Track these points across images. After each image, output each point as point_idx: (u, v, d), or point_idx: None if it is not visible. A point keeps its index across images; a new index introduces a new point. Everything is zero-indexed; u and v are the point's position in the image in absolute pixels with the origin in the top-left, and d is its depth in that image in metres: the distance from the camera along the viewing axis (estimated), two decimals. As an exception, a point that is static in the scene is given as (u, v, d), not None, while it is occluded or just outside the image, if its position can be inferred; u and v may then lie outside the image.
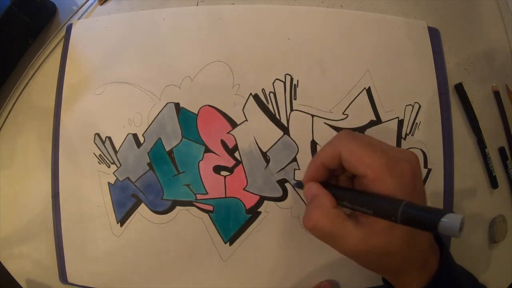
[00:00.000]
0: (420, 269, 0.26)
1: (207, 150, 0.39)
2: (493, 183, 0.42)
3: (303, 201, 0.38)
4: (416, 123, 0.40)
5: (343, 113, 0.39)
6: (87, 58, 0.42)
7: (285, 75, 0.39)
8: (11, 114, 0.44)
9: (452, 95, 0.42)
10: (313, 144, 0.39)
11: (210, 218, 0.39)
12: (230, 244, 0.38)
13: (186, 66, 0.40)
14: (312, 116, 0.39)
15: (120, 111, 0.40)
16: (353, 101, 0.39)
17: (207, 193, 0.39)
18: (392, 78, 0.40)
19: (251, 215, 0.38)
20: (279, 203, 0.38)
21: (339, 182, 0.29)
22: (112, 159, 0.40)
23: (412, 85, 0.40)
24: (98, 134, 0.40)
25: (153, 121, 0.40)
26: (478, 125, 0.42)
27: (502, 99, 0.43)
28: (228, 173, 0.39)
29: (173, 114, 0.40)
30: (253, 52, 0.40)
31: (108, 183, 0.40)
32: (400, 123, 0.39)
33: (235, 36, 0.40)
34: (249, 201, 0.38)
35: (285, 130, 0.39)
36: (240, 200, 0.38)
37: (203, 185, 0.39)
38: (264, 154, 0.39)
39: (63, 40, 0.43)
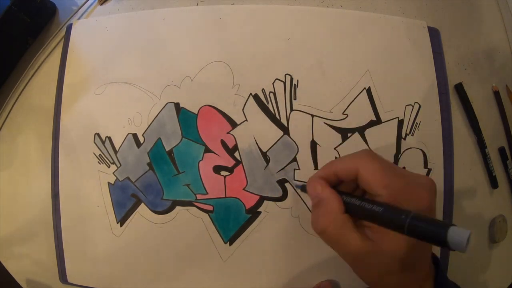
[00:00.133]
0: None
1: (207, 150, 0.39)
2: (493, 183, 0.41)
3: (303, 201, 0.38)
4: (416, 123, 0.40)
5: (343, 113, 0.39)
6: (87, 58, 0.42)
7: (285, 75, 0.39)
8: (11, 114, 0.44)
9: (452, 95, 0.42)
10: (313, 144, 0.39)
11: (210, 218, 0.39)
12: (230, 244, 0.38)
13: (186, 66, 0.40)
14: (312, 116, 0.39)
15: (120, 111, 0.40)
16: (353, 101, 0.39)
17: (207, 193, 0.39)
18: (392, 78, 0.40)
19: (251, 215, 0.38)
20: (279, 203, 0.38)
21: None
22: (112, 159, 0.40)
23: (412, 85, 0.40)
24: (98, 134, 0.40)
25: (153, 121, 0.40)
26: (478, 125, 0.42)
27: (502, 99, 0.43)
28: (228, 173, 0.39)
29: (173, 114, 0.40)
30: (253, 52, 0.40)
31: (108, 183, 0.40)
32: (400, 123, 0.39)
33: (235, 36, 0.40)
34: (249, 201, 0.38)
35: (285, 130, 0.39)
36: (240, 200, 0.38)
37: (203, 185, 0.39)
38: (264, 154, 0.39)
39: (63, 40, 0.44)
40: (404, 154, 0.39)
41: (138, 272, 0.39)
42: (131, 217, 0.39)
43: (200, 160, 0.39)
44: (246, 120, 0.39)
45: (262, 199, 0.38)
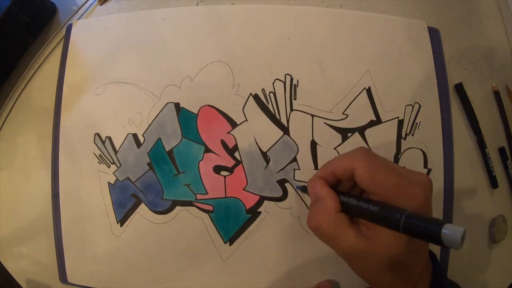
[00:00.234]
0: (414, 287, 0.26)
1: (207, 150, 0.39)
2: (493, 183, 0.41)
3: (303, 201, 0.38)
4: (416, 123, 0.40)
5: (343, 113, 0.39)
6: (87, 58, 0.42)
7: (285, 75, 0.39)
8: (11, 114, 0.44)
9: (452, 95, 0.42)
10: (313, 144, 0.39)
11: (210, 218, 0.39)
12: (230, 244, 0.38)
13: (186, 66, 0.40)
14: (312, 116, 0.39)
15: (120, 111, 0.40)
16: (353, 101, 0.39)
17: (207, 193, 0.39)
18: (392, 78, 0.40)
19: (251, 215, 0.38)
20: (279, 203, 0.38)
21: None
22: (112, 159, 0.40)
23: (412, 85, 0.40)
24: (98, 134, 0.40)
25: (153, 121, 0.40)
26: (478, 125, 0.42)
27: (502, 99, 0.43)
28: (228, 173, 0.39)
29: (173, 114, 0.40)
30: (253, 52, 0.40)
31: (108, 183, 0.40)
32: (400, 123, 0.39)
33: (235, 36, 0.40)
34: (249, 201, 0.38)
35: (285, 130, 0.39)
36: (240, 200, 0.38)
37: (203, 185, 0.39)
38: (264, 154, 0.39)
39: (63, 40, 0.44)
40: (404, 154, 0.39)
41: (138, 272, 0.39)
42: (131, 217, 0.39)
43: (200, 160, 0.39)
44: (246, 120, 0.39)
45: (262, 199, 0.38)
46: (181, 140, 0.39)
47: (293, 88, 0.39)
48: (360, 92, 0.39)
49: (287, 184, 0.38)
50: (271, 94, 0.39)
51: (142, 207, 0.39)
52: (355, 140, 0.39)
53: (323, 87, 0.39)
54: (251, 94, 0.39)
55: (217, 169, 0.39)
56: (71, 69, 0.42)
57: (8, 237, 0.42)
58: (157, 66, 0.41)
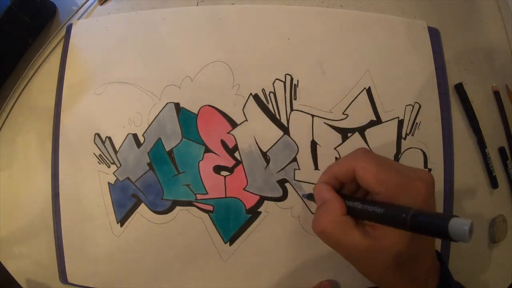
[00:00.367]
0: (421, 287, 0.26)
1: (207, 150, 0.39)
2: (493, 183, 0.41)
3: (304, 201, 0.38)
4: (416, 123, 0.40)
5: (343, 113, 0.39)
6: (87, 58, 0.42)
7: (285, 75, 0.39)
8: (11, 114, 0.44)
9: (452, 95, 0.42)
10: (313, 144, 0.39)
11: (210, 218, 0.39)
12: (230, 244, 0.38)
13: (186, 66, 0.40)
14: (312, 116, 0.39)
15: (120, 111, 0.40)
16: (353, 101, 0.39)
17: (207, 193, 0.39)
18: (392, 78, 0.40)
19: (251, 215, 0.38)
20: (279, 203, 0.38)
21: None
22: (112, 159, 0.40)
23: (412, 85, 0.40)
24: (98, 134, 0.40)
25: (153, 121, 0.40)
26: (478, 125, 0.42)
27: (502, 99, 0.43)
28: (228, 173, 0.39)
29: (173, 114, 0.40)
30: (253, 52, 0.40)
31: (108, 183, 0.40)
32: (400, 123, 0.39)
33: (235, 36, 0.40)
34: (249, 201, 0.38)
35: (285, 130, 0.39)
36: (240, 200, 0.38)
37: (203, 185, 0.39)
38: (264, 154, 0.39)
39: (63, 40, 0.43)
40: (404, 154, 0.39)
41: (138, 272, 0.39)
42: (131, 217, 0.39)
43: (200, 160, 0.39)
44: (246, 120, 0.39)
45: (262, 199, 0.38)
46: (181, 140, 0.39)
47: (293, 88, 0.39)
48: (360, 92, 0.39)
49: (287, 184, 0.38)
50: (271, 94, 0.39)
51: (142, 207, 0.39)
52: (355, 140, 0.39)
53: (323, 87, 0.39)
54: (251, 94, 0.39)
55: (217, 169, 0.39)
56: (71, 69, 0.42)
57: (8, 237, 0.42)
58: (157, 66, 0.41)
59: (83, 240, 0.40)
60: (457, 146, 0.41)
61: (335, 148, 0.39)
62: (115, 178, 0.40)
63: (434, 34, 0.42)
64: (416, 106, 0.40)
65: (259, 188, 0.38)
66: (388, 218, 0.23)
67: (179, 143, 0.39)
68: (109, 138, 0.40)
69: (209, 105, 0.39)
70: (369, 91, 0.39)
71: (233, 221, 0.38)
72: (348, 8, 0.42)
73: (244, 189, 0.38)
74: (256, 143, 0.39)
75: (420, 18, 0.42)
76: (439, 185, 0.39)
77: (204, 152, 0.39)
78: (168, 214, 0.39)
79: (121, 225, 0.39)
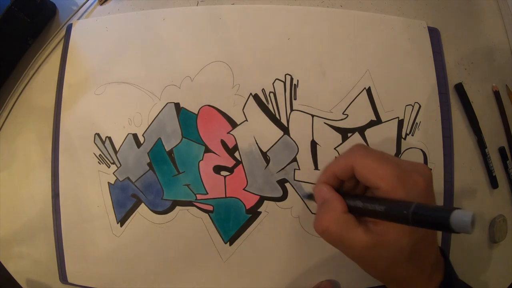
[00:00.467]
0: (426, 281, 0.26)
1: (207, 150, 0.39)
2: (493, 183, 0.42)
3: (304, 201, 0.38)
4: (416, 123, 0.40)
5: (343, 113, 0.39)
6: (87, 58, 0.42)
7: (285, 75, 0.39)
8: (11, 114, 0.44)
9: (452, 95, 0.42)
10: (313, 144, 0.39)
11: (210, 218, 0.39)
12: (230, 244, 0.38)
13: (186, 66, 0.40)
14: (312, 116, 0.39)
15: (120, 111, 0.40)
16: (353, 101, 0.39)
17: (207, 193, 0.39)
18: (392, 78, 0.40)
19: (251, 215, 0.38)
20: (279, 203, 0.38)
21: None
22: (112, 159, 0.40)
23: (412, 85, 0.40)
24: (98, 134, 0.40)
25: (153, 121, 0.40)
26: (478, 125, 0.42)
27: (502, 99, 0.43)
28: (228, 173, 0.39)
29: (173, 114, 0.40)
30: (253, 52, 0.40)
31: (108, 183, 0.40)
32: (400, 123, 0.39)
33: (235, 36, 0.40)
34: (249, 201, 0.38)
35: (285, 130, 0.39)
36: (240, 200, 0.38)
37: (203, 185, 0.39)
38: (264, 154, 0.39)
39: (63, 40, 0.43)
40: (404, 154, 0.39)
41: (138, 272, 0.39)
42: (131, 217, 0.39)
43: (200, 160, 0.39)
44: (246, 120, 0.39)
45: (262, 199, 0.38)
46: (181, 140, 0.39)
47: (293, 88, 0.39)
48: (360, 92, 0.39)
49: (287, 184, 0.38)
50: (271, 94, 0.39)
51: (142, 207, 0.39)
52: (355, 140, 0.39)
53: (323, 87, 0.39)
54: (251, 94, 0.39)
55: (217, 169, 0.39)
56: (71, 69, 0.42)
57: (8, 237, 0.42)
58: (157, 66, 0.41)
59: (83, 240, 0.40)
60: (457, 146, 0.41)
61: (335, 148, 0.39)
62: (115, 178, 0.40)
63: (434, 34, 0.42)
64: (416, 106, 0.40)
65: (259, 188, 0.38)
66: (390, 214, 0.23)
67: (179, 143, 0.39)
68: (109, 138, 0.40)
69: (209, 105, 0.39)
70: (369, 91, 0.39)
71: (233, 221, 0.38)
72: (348, 8, 0.42)
73: (244, 189, 0.38)
74: (256, 143, 0.39)
75: (420, 18, 0.42)
76: (439, 185, 0.39)
77: (204, 152, 0.39)
78: (168, 214, 0.39)
79: (121, 225, 0.39)
